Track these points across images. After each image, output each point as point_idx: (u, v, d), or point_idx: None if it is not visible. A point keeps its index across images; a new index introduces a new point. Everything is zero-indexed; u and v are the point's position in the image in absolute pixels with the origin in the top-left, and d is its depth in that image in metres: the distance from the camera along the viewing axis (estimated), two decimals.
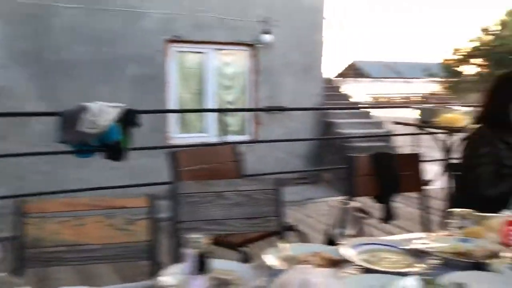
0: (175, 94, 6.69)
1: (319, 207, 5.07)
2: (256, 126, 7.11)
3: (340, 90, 9.60)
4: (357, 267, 1.13)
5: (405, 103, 20.30)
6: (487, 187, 2.08)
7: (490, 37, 19.79)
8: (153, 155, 4.07)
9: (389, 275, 1.05)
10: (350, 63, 28.01)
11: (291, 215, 4.71)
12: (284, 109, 6.25)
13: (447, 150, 4.62)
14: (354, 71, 26.16)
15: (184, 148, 3.56)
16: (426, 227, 2.51)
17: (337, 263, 1.11)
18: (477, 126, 2.23)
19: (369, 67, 26.54)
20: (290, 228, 2.59)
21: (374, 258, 1.19)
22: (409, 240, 1.32)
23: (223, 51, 6.97)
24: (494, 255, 1.19)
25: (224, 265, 1.08)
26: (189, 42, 6.61)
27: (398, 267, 1.14)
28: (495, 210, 1.51)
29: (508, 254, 1.15)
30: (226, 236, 2.31)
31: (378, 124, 7.98)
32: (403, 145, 7.23)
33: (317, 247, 1.22)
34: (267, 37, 6.79)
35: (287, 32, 7.02)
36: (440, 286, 0.98)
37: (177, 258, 1.77)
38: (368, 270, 1.11)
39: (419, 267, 1.13)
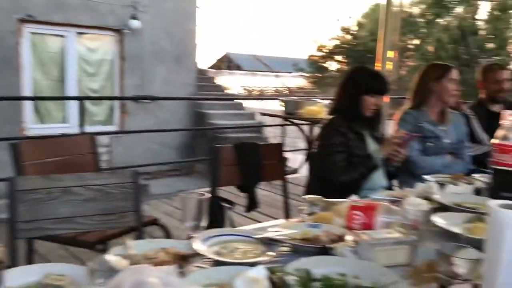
0: (30, 80, 6.05)
1: None
2: (124, 116, 6.78)
3: (214, 81, 9.64)
4: (207, 260, 1.09)
5: (276, 96, 21.25)
6: (340, 175, 2.21)
7: (350, 37, 21.67)
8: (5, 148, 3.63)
9: (238, 266, 1.02)
10: (223, 55, 28.36)
11: (161, 208, 4.60)
12: (154, 98, 6.06)
13: (310, 140, 4.90)
14: (226, 63, 26.56)
15: (31, 140, 3.21)
16: (289, 214, 2.60)
17: (186, 257, 1.05)
18: (331, 117, 2.37)
19: (242, 60, 27.15)
20: (153, 222, 2.50)
21: (225, 249, 1.17)
22: (264, 229, 1.33)
23: (87, 36, 6.50)
24: (340, 239, 1.24)
25: (55, 269, 0.96)
26: (46, 24, 6.02)
27: (249, 257, 1.12)
28: (347, 196, 1.60)
29: (351, 238, 1.21)
30: (80, 235, 2.13)
31: (250, 115, 8.19)
32: (274, 135, 7.54)
33: (166, 243, 1.15)
34: (135, 23, 6.49)
35: (157, 19, 6.80)
36: (285, 274, 0.99)
37: (17, 263, 1.58)
38: (218, 263, 1.08)
39: (269, 255, 1.13)
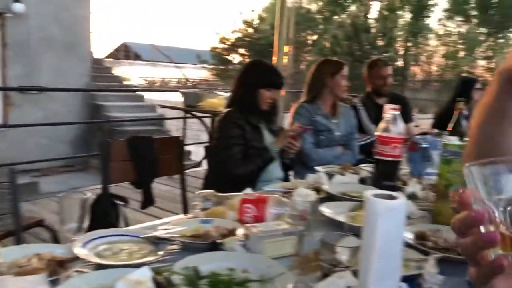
0: None
1: None
2: (7, 108, 6.19)
3: (111, 71, 9.19)
4: (89, 264, 1.02)
5: (178, 88, 20.90)
6: (237, 167, 2.23)
7: (251, 30, 22.02)
8: None
9: (121, 269, 0.97)
10: (121, 43, 27.18)
11: (51, 208, 4.28)
12: (43, 89, 5.62)
13: (212, 132, 4.88)
14: (125, 53, 25.51)
15: None
16: (187, 208, 2.56)
17: (63, 263, 0.97)
18: (228, 109, 2.37)
19: (141, 50, 26.18)
20: (39, 223, 2.31)
21: (109, 251, 1.10)
22: (153, 227, 1.28)
23: None
24: (230, 233, 1.23)
25: None
26: None
27: (135, 258, 1.07)
28: (245, 188, 1.60)
29: (242, 231, 1.21)
30: None
31: (151, 107, 7.95)
32: (177, 128, 7.40)
33: (42, 248, 1.05)
34: (18, 6, 5.93)
35: (44, 3, 6.28)
36: (172, 273, 0.95)
37: None
38: (100, 266, 1.01)
39: (156, 255, 1.09)
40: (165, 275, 0.94)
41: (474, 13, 24.04)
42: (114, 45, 27.23)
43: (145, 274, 0.92)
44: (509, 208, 0.44)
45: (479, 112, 0.90)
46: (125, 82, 9.17)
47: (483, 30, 24.01)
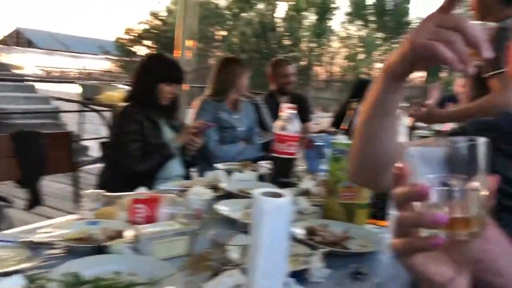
0: None
1: None
2: None
3: None
4: None
5: (79, 79, 19.75)
6: (135, 164, 2.14)
7: (159, 22, 21.48)
8: None
9: None
10: (14, 29, 25.00)
11: None
12: None
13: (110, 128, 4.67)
14: (17, 39, 23.48)
15: None
16: (79, 207, 2.42)
17: None
18: (126, 104, 2.27)
19: (36, 37, 24.26)
20: None
21: None
22: (32, 231, 1.18)
23: None
24: (118, 235, 1.17)
25: None
26: None
27: (7, 266, 0.97)
28: (143, 185, 1.54)
29: (131, 233, 1.15)
30: None
31: (45, 99, 7.39)
32: (75, 122, 6.97)
33: None
34: None
35: None
36: (48, 280, 0.88)
37: None
38: None
39: (34, 261, 1.00)
40: (41, 282, 0.87)
41: (372, 18, 25.73)
42: (7, 31, 24.97)
43: (16, 283, 0.84)
44: (445, 188, 0.45)
45: (364, 109, 0.93)
46: (16, 71, 8.40)
47: (380, 34, 25.80)
